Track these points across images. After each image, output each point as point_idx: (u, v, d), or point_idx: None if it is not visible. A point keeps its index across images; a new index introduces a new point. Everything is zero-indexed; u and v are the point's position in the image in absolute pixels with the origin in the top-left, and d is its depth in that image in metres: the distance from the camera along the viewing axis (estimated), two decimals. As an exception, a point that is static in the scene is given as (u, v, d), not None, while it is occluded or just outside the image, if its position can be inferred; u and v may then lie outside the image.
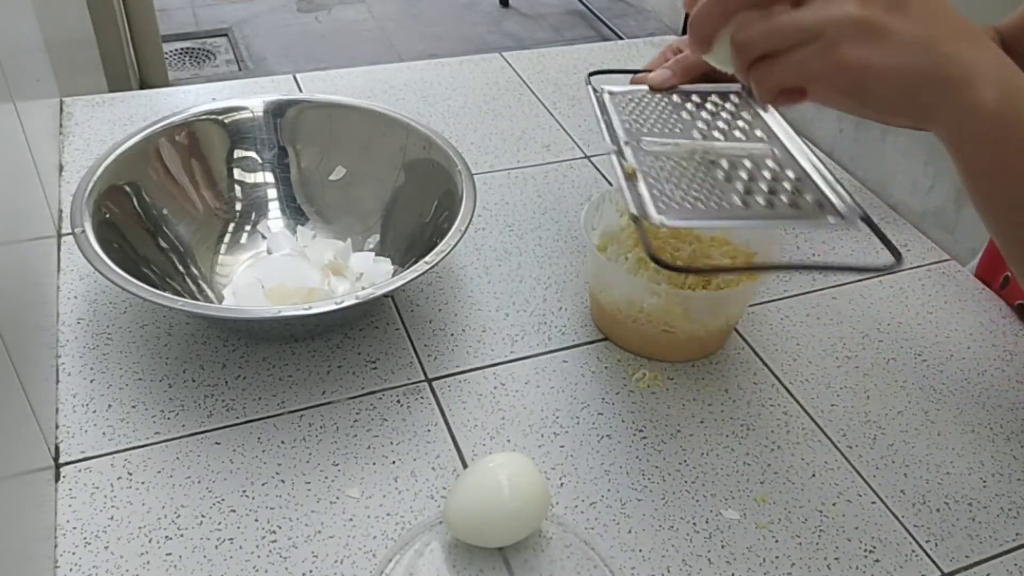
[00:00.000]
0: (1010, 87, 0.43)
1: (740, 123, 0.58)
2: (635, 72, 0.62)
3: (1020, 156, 0.44)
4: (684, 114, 0.59)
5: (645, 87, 0.60)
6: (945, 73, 0.42)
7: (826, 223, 0.50)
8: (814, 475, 0.57)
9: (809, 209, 0.50)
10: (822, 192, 0.51)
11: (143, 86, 2.08)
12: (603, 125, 0.57)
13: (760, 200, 0.50)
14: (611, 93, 0.62)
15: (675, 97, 0.60)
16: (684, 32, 2.83)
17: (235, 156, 0.73)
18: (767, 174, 0.53)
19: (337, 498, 0.53)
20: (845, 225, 0.49)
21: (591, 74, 0.66)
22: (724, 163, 0.54)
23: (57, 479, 0.53)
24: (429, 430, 0.58)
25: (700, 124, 0.58)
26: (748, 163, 0.54)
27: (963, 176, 0.46)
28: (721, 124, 0.58)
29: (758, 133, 0.57)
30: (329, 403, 0.60)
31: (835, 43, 0.42)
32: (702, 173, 0.52)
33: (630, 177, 0.52)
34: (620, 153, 0.54)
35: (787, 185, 0.52)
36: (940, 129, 0.44)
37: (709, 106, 0.60)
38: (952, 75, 0.42)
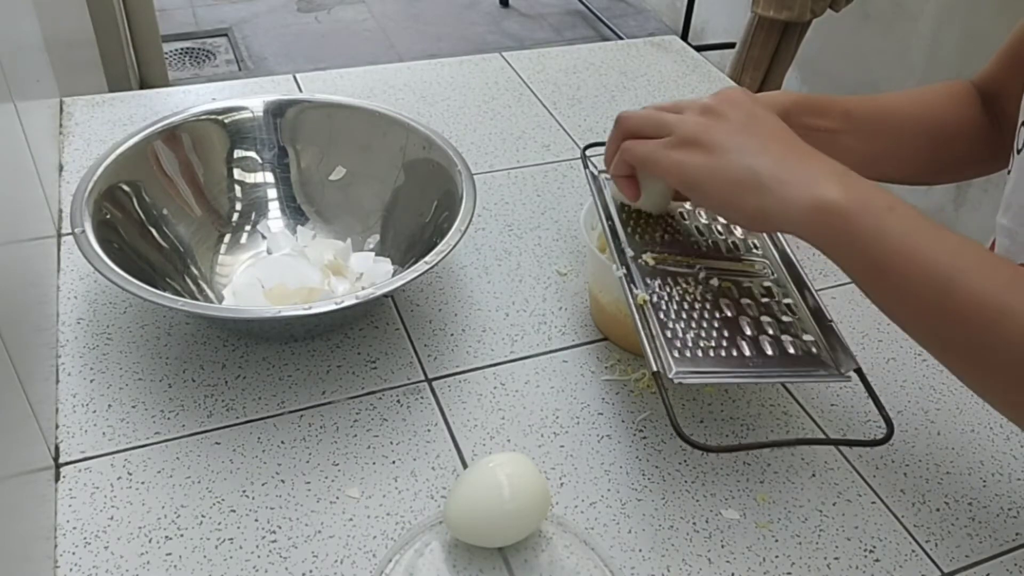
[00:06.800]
0: (824, 191, 0.46)
1: (738, 230, 0.64)
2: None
3: (857, 252, 0.46)
4: (682, 211, 0.63)
5: None
6: (755, 178, 0.48)
7: (824, 377, 0.55)
8: (814, 475, 0.57)
9: (808, 357, 0.55)
10: (816, 330, 0.57)
11: (143, 86, 2.08)
12: (607, 230, 0.60)
13: (767, 347, 0.55)
14: (608, 179, 0.64)
15: None
16: (683, 35, 2.80)
17: (235, 156, 0.73)
18: (769, 305, 0.58)
19: (337, 498, 0.53)
20: (842, 379, 0.54)
21: (587, 147, 0.68)
22: (730, 291, 0.58)
23: (57, 479, 0.53)
24: (429, 430, 0.58)
25: (699, 227, 0.63)
26: (750, 296, 0.58)
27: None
28: (719, 229, 0.63)
29: (755, 245, 0.62)
30: (329, 403, 0.60)
31: (673, 144, 0.51)
32: (709, 307, 0.57)
33: (641, 307, 0.55)
34: (630, 278, 0.57)
35: (787, 320, 0.57)
36: (773, 227, 0.51)
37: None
38: (762, 179, 0.48)
